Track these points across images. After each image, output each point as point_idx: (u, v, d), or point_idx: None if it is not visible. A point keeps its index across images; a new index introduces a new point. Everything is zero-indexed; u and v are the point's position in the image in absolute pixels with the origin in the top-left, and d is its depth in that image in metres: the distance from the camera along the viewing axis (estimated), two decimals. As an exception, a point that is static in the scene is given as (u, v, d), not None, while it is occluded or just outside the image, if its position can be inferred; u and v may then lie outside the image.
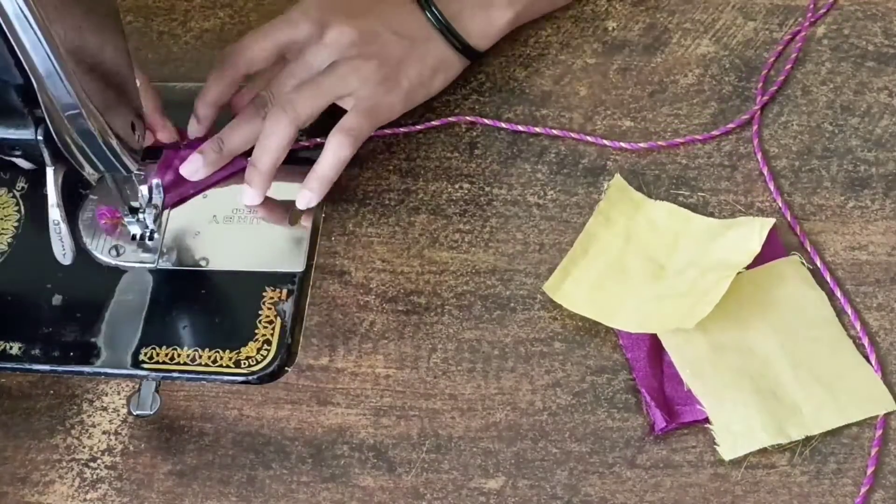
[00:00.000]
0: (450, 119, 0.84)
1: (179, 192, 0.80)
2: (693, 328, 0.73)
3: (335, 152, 0.77)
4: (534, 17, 0.89)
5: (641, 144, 0.82)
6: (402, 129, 0.84)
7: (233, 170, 0.80)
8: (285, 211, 0.80)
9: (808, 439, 0.70)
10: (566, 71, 0.87)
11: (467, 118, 0.84)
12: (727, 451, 0.69)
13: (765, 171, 0.80)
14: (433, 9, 0.82)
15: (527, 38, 0.89)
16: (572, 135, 0.83)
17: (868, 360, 0.72)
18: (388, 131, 0.83)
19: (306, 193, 0.78)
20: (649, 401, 0.71)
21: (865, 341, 0.73)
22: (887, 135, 0.82)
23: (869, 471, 0.69)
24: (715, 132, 0.83)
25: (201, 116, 0.80)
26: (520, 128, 0.83)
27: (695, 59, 0.87)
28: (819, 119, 0.84)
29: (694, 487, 0.69)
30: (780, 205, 0.79)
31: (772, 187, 0.80)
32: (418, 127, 0.84)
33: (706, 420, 0.71)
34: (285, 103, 0.77)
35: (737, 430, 0.70)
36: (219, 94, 0.80)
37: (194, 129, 0.80)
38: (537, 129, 0.83)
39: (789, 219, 0.78)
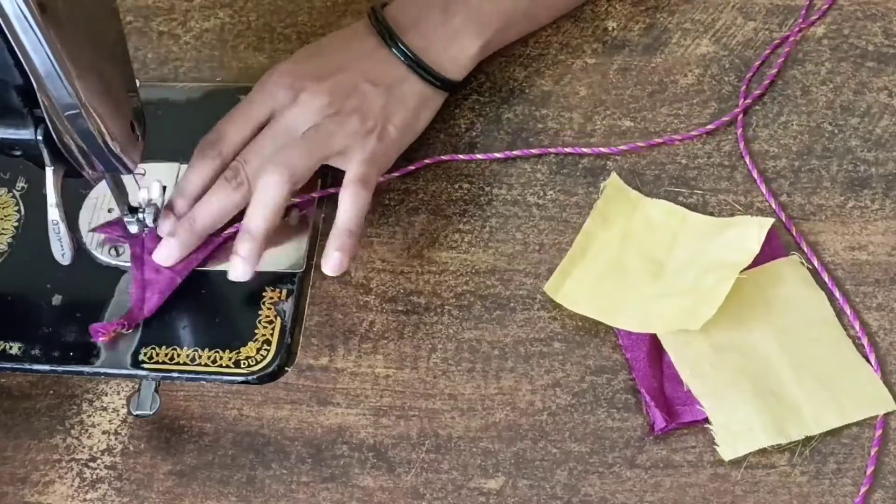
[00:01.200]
0: (426, 161, 0.82)
1: (159, 288, 0.75)
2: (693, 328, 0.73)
3: (352, 202, 0.73)
4: (509, 41, 0.86)
5: (622, 147, 0.82)
6: (395, 174, 0.82)
7: (210, 249, 0.77)
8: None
9: (808, 439, 0.70)
10: (566, 71, 0.87)
11: (443, 157, 0.83)
12: (727, 451, 0.69)
13: (754, 172, 0.80)
14: (399, 45, 0.80)
15: (527, 38, 0.89)
16: (566, 149, 0.83)
17: (868, 360, 0.72)
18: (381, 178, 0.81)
19: (335, 255, 0.72)
20: (649, 401, 0.71)
21: (865, 341, 0.73)
22: (887, 135, 0.82)
23: (868, 471, 0.69)
24: (694, 132, 0.83)
25: (179, 211, 0.75)
26: (499, 155, 0.83)
27: (695, 59, 0.87)
28: (819, 119, 0.84)
29: (694, 487, 0.69)
30: (774, 206, 0.79)
31: (763, 189, 0.80)
32: (411, 167, 0.82)
33: (706, 420, 0.70)
34: (277, 163, 0.73)
35: (736, 430, 0.70)
36: (200, 187, 0.76)
37: (167, 226, 0.75)
38: (515, 154, 0.83)
39: (784, 220, 0.78)
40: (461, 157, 0.83)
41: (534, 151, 0.83)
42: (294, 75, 0.78)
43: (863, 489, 0.68)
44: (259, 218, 0.73)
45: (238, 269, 0.73)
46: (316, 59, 0.80)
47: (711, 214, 0.79)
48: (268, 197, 0.73)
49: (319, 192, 0.80)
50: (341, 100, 0.77)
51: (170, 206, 0.75)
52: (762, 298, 0.75)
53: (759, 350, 0.73)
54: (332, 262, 0.72)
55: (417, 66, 0.80)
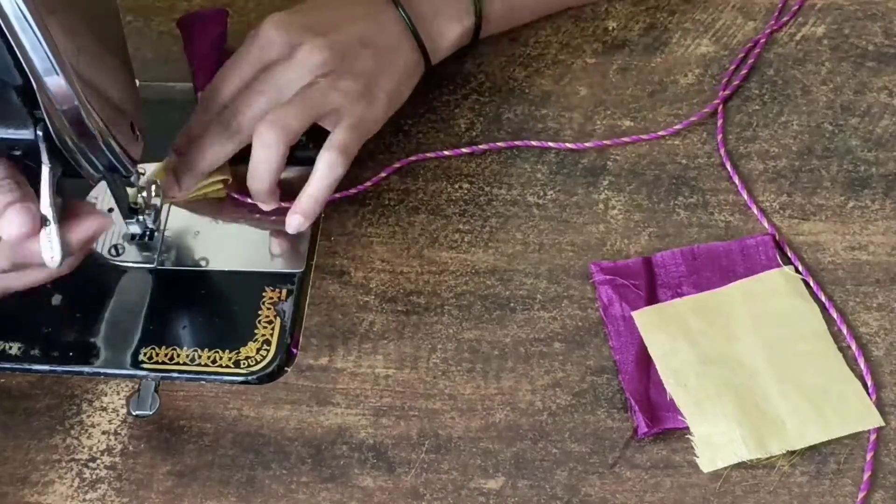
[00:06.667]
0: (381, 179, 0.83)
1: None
2: (681, 340, 0.73)
3: (328, 172, 0.75)
4: (500, 29, 0.88)
5: (606, 141, 0.83)
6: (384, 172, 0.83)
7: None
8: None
9: (790, 453, 0.70)
10: (566, 71, 0.87)
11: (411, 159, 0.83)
12: (706, 463, 0.69)
13: (735, 178, 0.80)
14: (403, 8, 0.80)
15: (527, 38, 0.89)
16: (551, 144, 0.83)
17: (856, 363, 0.72)
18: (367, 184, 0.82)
19: (297, 218, 0.75)
20: (633, 404, 0.71)
21: (853, 345, 0.73)
22: (887, 135, 0.82)
23: (869, 471, 0.69)
24: (678, 126, 0.83)
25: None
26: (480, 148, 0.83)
27: (695, 58, 0.87)
28: (819, 119, 0.84)
29: (694, 488, 0.69)
30: (756, 211, 0.79)
31: (744, 194, 0.79)
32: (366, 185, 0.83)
33: (688, 429, 0.70)
34: (273, 122, 0.74)
35: (717, 443, 0.70)
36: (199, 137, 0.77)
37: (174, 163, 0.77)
38: (489, 146, 0.83)
39: (767, 225, 0.78)
40: (446, 152, 0.83)
41: (544, 142, 0.83)
42: (292, 27, 0.78)
43: (863, 489, 0.68)
44: (261, 178, 0.76)
45: (264, 206, 0.78)
46: (314, 13, 0.80)
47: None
48: (266, 156, 0.74)
49: (342, 193, 0.81)
50: (336, 60, 0.77)
51: (177, 151, 0.77)
52: (753, 310, 0.74)
53: (745, 363, 0.72)
54: (294, 223, 0.75)
55: (414, 34, 0.81)
